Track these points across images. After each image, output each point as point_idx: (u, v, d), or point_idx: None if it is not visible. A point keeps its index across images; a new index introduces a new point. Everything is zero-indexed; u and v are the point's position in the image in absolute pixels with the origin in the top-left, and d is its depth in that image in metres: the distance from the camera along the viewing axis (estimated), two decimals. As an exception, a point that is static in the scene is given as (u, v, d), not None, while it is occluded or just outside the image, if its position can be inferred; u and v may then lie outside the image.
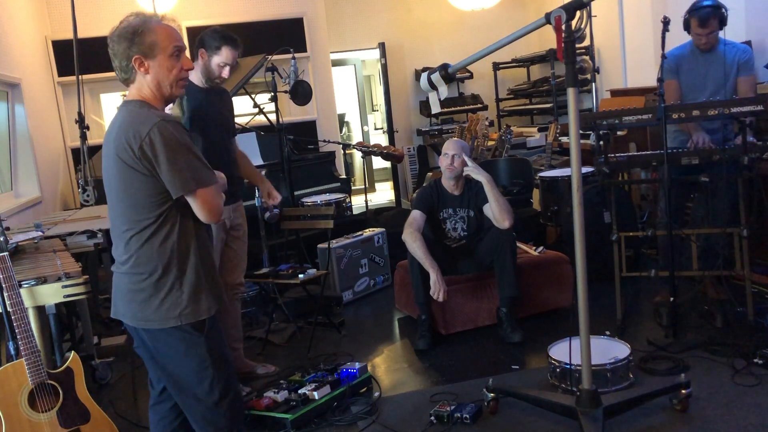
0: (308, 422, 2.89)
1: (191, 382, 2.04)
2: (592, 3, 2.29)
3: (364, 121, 9.88)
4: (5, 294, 2.43)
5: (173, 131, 1.93)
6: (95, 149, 4.50)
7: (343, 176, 6.15)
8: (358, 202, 7.33)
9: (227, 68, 3.13)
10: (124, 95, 2.06)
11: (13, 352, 2.58)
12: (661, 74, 3.44)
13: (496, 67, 7.92)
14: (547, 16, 2.28)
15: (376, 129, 10.45)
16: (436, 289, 3.53)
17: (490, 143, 6.22)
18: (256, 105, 5.07)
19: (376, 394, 3.16)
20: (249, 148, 5.56)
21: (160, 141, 1.89)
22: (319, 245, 4.74)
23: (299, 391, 2.99)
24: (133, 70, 1.97)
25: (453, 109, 7.92)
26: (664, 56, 3.49)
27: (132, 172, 1.92)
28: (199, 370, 2.03)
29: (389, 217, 5.65)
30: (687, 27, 3.67)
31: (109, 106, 6.59)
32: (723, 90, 3.65)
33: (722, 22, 3.57)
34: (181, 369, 2.04)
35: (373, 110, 10.66)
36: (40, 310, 2.67)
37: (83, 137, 4.60)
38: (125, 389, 3.47)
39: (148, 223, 1.96)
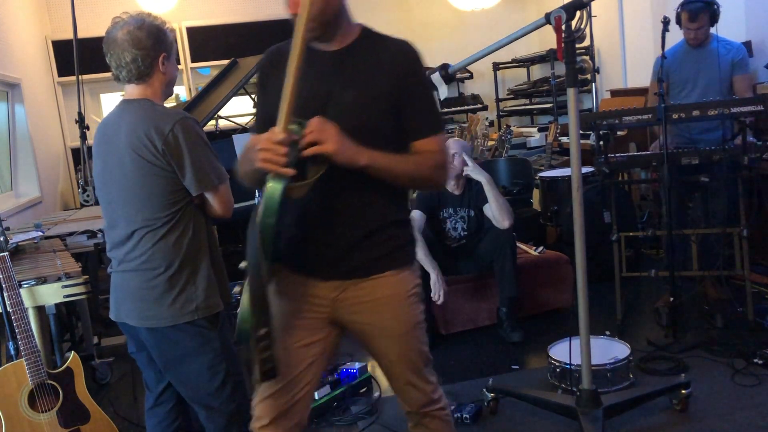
0: (308, 422, 2.89)
1: (203, 378, 2.05)
2: (592, 3, 2.29)
3: (364, 121, 9.86)
4: (5, 294, 2.43)
5: (195, 128, 1.98)
6: (95, 149, 4.50)
7: (343, 176, 6.13)
8: (358, 202, 7.31)
9: None
10: (123, 95, 2.07)
11: (13, 352, 2.58)
12: (660, 74, 3.44)
13: (496, 67, 7.92)
14: (547, 16, 2.28)
15: (376, 129, 10.43)
16: (436, 289, 3.53)
17: (490, 143, 6.22)
18: (256, 105, 5.07)
19: (376, 394, 3.16)
20: (249, 148, 5.56)
21: (183, 137, 1.92)
22: (319, 245, 4.73)
23: (299, 391, 2.99)
24: (155, 68, 1.99)
25: (453, 109, 7.92)
26: (664, 56, 3.49)
27: (151, 168, 1.93)
28: (212, 365, 2.05)
29: (389, 217, 5.64)
30: (678, 21, 3.68)
31: (109, 106, 6.59)
32: (716, 87, 3.66)
33: (713, 19, 3.58)
34: (193, 366, 2.05)
35: (373, 110, 10.64)
36: (40, 310, 2.67)
37: (83, 137, 4.60)
38: (125, 389, 3.47)
39: (165, 220, 1.97)
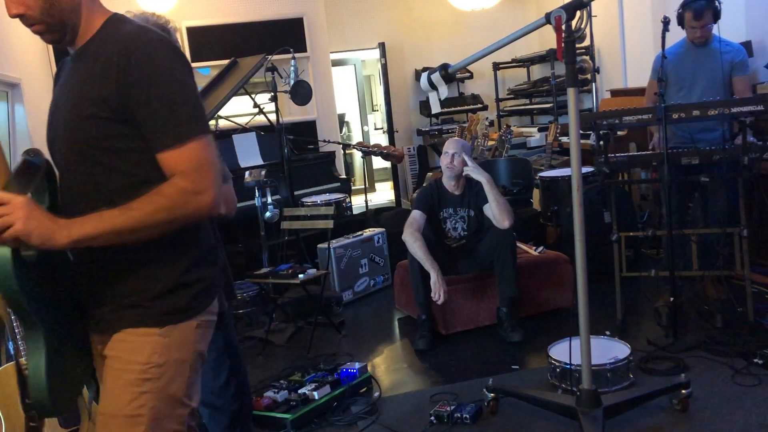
0: (308, 422, 2.89)
1: (207, 377, 2.08)
2: (592, 3, 2.29)
3: (364, 121, 9.88)
4: (5, 294, 2.43)
5: None
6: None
7: (343, 176, 6.15)
8: (358, 202, 7.33)
9: None
10: None
11: (13, 352, 2.58)
12: (661, 74, 3.44)
13: (496, 67, 7.92)
14: (547, 16, 2.28)
15: (376, 129, 10.45)
16: (436, 289, 3.53)
17: (490, 143, 6.22)
18: (256, 105, 5.08)
19: (376, 394, 3.16)
20: (249, 148, 5.56)
21: None
22: (319, 245, 4.74)
23: (299, 391, 2.99)
24: None
25: (453, 109, 7.91)
26: (664, 56, 3.50)
27: None
28: (216, 364, 2.10)
29: (389, 217, 5.65)
30: (681, 21, 3.68)
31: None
32: (716, 87, 3.66)
33: (716, 15, 3.59)
34: None
35: (373, 110, 10.66)
36: (40, 310, 2.67)
37: (83, 137, 4.60)
38: (125, 389, 3.47)
39: None
